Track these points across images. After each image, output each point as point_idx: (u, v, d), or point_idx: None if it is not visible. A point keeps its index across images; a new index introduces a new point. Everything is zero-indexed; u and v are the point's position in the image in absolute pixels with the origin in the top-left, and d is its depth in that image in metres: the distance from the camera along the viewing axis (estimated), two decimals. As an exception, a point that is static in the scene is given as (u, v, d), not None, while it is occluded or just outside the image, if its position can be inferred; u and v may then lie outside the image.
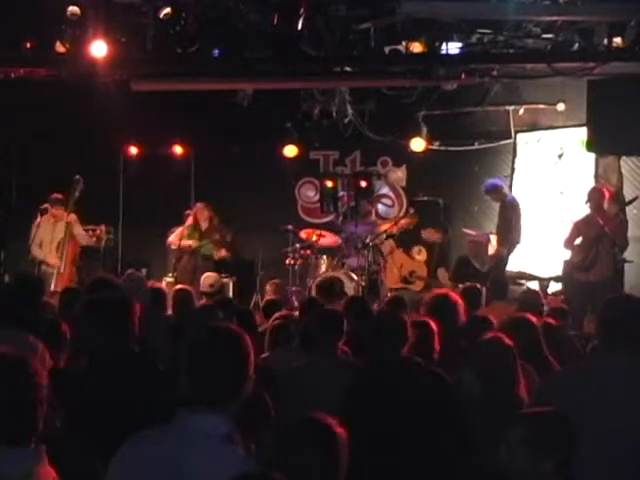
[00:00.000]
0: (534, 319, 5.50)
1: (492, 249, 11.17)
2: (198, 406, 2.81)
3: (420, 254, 11.08)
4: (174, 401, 2.99)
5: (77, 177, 10.96)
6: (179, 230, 11.68)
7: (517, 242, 10.84)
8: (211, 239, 11.73)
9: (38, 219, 10.92)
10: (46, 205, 10.92)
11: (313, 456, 2.58)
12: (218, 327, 3.07)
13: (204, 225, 11.78)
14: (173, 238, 11.72)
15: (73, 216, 10.94)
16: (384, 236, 11.52)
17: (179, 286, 8.36)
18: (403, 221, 11.82)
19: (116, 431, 3.06)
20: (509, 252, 10.88)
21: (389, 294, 10.95)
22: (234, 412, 2.85)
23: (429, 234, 10.77)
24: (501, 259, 10.84)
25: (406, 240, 11.39)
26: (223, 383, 2.84)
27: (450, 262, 11.97)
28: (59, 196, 10.92)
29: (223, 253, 11.79)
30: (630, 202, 9.99)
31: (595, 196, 9.74)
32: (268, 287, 11.01)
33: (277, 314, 6.85)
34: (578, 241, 9.79)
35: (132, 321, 4.40)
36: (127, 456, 2.85)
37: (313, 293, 10.78)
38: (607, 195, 9.84)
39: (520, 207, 10.92)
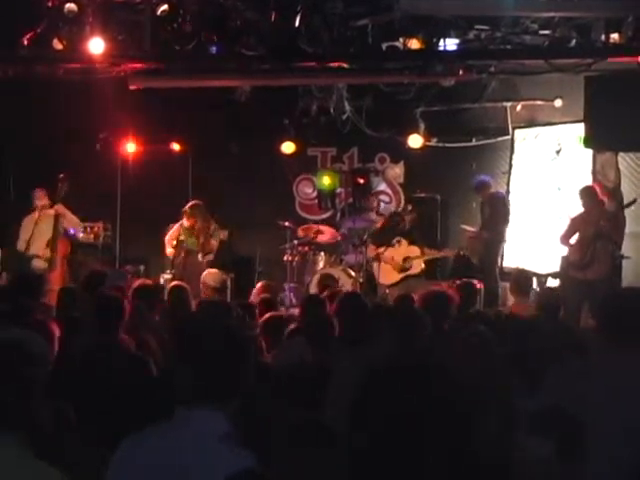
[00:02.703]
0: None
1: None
2: (197, 404, 2.81)
3: (400, 244, 11.12)
4: (173, 399, 3.00)
5: (61, 175, 10.89)
6: (175, 227, 11.48)
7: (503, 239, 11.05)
8: (197, 240, 11.28)
9: (25, 219, 10.95)
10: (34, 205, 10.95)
11: (314, 456, 2.59)
12: (218, 325, 3.07)
13: (199, 224, 11.27)
14: (169, 240, 11.45)
15: (60, 207, 10.89)
16: (365, 237, 11.45)
17: (174, 283, 8.34)
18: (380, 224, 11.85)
19: (116, 429, 3.07)
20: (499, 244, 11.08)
21: (387, 291, 10.97)
22: (233, 410, 2.85)
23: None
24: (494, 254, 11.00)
25: (382, 238, 11.41)
26: (223, 381, 2.85)
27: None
28: (42, 191, 10.92)
29: (202, 258, 11.30)
30: (629, 205, 10.01)
31: (587, 195, 9.77)
32: (258, 286, 10.84)
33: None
34: (575, 238, 9.80)
35: None
36: (126, 454, 2.85)
37: (311, 289, 10.82)
38: (599, 188, 9.91)
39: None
